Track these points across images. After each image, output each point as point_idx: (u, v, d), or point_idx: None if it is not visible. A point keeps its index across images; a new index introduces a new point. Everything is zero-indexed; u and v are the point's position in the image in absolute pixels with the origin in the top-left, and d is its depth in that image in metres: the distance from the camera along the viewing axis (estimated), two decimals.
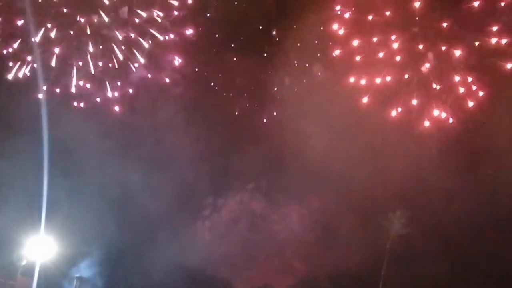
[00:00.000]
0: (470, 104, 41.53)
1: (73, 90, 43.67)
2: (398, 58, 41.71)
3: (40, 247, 36.69)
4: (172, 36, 44.47)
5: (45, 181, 36.07)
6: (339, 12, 42.03)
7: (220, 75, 46.10)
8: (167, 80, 45.17)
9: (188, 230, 43.46)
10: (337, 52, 42.80)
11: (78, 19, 42.37)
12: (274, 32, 47.16)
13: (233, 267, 42.41)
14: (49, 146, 36.35)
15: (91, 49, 43.09)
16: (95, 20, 42.54)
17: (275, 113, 45.98)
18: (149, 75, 44.87)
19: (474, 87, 41.36)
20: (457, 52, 40.31)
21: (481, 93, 41.06)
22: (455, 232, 40.73)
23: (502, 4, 39.90)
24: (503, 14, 39.96)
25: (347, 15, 42.21)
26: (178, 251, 41.53)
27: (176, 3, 44.01)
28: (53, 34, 42.09)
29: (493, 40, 39.88)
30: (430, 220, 41.78)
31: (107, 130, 42.68)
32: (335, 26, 42.29)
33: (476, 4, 39.45)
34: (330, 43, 42.82)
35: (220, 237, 43.70)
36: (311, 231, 43.02)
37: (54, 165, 36.57)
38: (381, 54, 41.85)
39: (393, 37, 41.30)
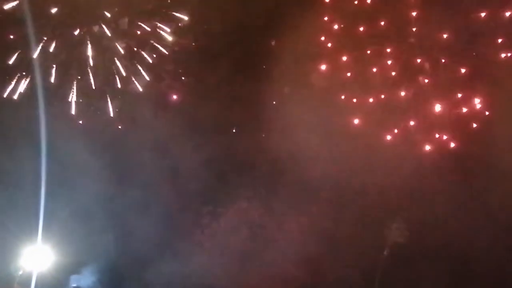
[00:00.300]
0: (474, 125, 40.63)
1: (73, 103, 42.77)
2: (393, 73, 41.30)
3: (37, 257, 36.37)
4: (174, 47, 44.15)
5: (43, 191, 35.72)
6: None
7: (219, 85, 45.57)
8: (167, 90, 45.03)
9: (187, 240, 42.75)
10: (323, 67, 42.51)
11: (78, 31, 41.84)
12: (273, 43, 47.10)
13: (232, 275, 41.74)
14: (47, 156, 36.08)
15: (91, 62, 42.42)
16: (96, 30, 42.19)
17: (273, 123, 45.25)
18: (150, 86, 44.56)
19: (478, 105, 40.41)
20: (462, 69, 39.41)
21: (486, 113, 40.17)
22: (454, 242, 40.08)
23: (508, 14, 38.94)
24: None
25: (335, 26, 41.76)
26: (177, 260, 40.97)
27: (177, 15, 43.89)
28: (51, 48, 41.26)
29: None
30: (430, 230, 40.97)
31: (105, 140, 42.35)
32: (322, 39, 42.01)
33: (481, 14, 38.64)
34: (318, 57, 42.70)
35: (219, 245, 43.11)
36: (311, 239, 42.27)
37: (51, 174, 36.29)
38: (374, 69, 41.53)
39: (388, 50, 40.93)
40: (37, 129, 37.20)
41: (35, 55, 40.50)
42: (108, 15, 42.28)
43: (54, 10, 40.84)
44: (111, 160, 41.28)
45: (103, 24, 42.21)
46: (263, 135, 45.04)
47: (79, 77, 42.58)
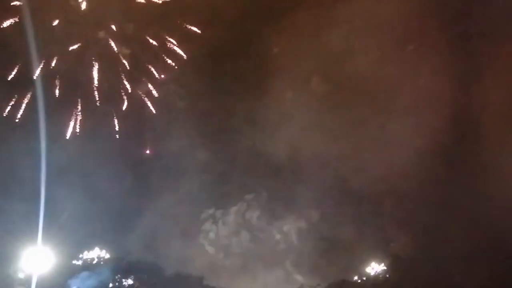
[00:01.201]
0: None
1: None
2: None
3: (37, 259, 35.33)
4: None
5: (42, 192, 34.97)
6: None
7: (221, 89, 44.69)
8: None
9: (189, 241, 41.83)
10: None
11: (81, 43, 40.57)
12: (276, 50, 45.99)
13: (232, 277, 40.58)
14: (47, 158, 35.52)
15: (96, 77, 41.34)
16: (101, 36, 41.32)
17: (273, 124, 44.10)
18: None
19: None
20: None
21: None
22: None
23: None
24: None
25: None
26: (179, 261, 40.05)
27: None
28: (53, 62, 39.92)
29: None
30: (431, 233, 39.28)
31: (107, 141, 41.55)
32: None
33: None
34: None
35: (220, 247, 42.14)
36: (310, 241, 41.17)
37: (51, 175, 35.56)
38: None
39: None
40: (37, 134, 36.50)
41: (38, 70, 39.02)
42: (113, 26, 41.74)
43: (55, 22, 39.39)
44: (111, 164, 40.42)
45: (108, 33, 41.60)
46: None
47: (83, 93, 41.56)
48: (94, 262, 39.74)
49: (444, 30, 40.65)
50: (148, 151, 44.26)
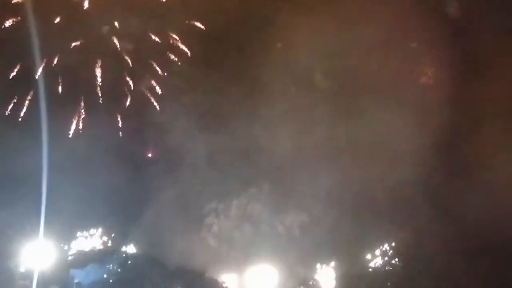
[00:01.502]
0: None
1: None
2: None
3: (38, 253, 35.48)
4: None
5: (44, 188, 34.96)
6: None
7: (223, 83, 44.13)
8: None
9: (191, 235, 41.37)
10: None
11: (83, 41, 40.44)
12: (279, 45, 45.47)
13: (235, 270, 40.44)
14: (49, 151, 35.45)
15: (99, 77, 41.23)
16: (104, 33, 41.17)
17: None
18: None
19: None
20: None
21: None
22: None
23: None
24: None
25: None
26: (181, 255, 39.82)
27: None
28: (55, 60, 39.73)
29: None
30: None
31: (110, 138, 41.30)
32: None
33: None
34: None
35: (222, 241, 41.68)
36: (313, 234, 40.50)
37: (54, 171, 35.47)
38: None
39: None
40: (40, 131, 36.44)
41: (40, 67, 38.94)
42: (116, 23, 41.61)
43: (57, 19, 39.26)
44: (114, 160, 40.23)
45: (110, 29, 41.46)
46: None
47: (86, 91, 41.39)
48: (96, 256, 39.64)
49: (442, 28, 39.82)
50: (150, 154, 44.16)
